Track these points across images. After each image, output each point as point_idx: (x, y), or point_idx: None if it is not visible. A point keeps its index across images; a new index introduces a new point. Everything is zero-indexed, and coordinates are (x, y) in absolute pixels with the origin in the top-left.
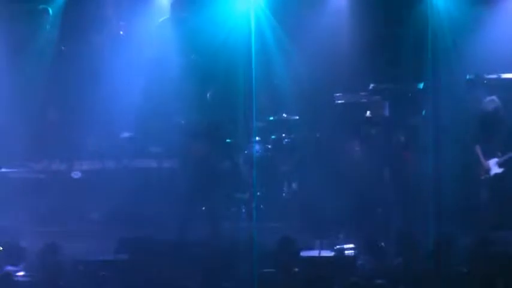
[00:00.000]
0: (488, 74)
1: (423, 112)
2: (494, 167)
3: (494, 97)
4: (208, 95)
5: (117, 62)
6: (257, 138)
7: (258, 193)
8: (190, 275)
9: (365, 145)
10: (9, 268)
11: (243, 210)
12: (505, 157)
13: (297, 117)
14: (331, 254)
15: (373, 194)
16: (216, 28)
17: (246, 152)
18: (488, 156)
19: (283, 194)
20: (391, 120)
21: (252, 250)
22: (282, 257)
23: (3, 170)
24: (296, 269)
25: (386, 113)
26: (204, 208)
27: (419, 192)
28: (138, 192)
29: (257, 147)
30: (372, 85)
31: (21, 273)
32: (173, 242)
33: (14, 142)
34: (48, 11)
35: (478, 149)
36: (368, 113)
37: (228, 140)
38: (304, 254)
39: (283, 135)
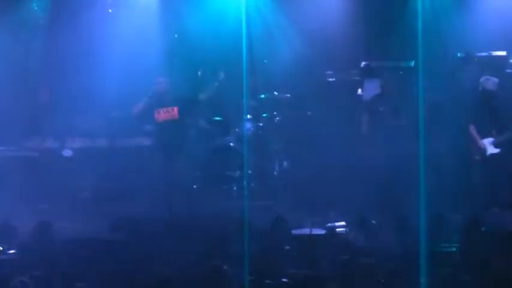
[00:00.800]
0: (479, 51)
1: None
2: (489, 146)
3: (489, 76)
4: (199, 72)
5: (108, 41)
6: (248, 116)
7: (249, 171)
8: (182, 253)
9: (373, 123)
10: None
11: (234, 188)
12: (503, 137)
13: (289, 95)
14: (323, 232)
15: (366, 172)
16: (206, 7)
17: (237, 130)
18: (483, 136)
19: (275, 173)
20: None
21: (243, 228)
22: (273, 236)
23: None
24: (287, 247)
25: (395, 89)
26: (195, 186)
27: (412, 171)
28: (130, 170)
29: (248, 125)
30: (363, 63)
31: (12, 251)
32: (164, 221)
33: (6, 121)
34: None
35: (473, 129)
36: (372, 90)
37: (218, 118)
38: (295, 232)
39: (275, 113)
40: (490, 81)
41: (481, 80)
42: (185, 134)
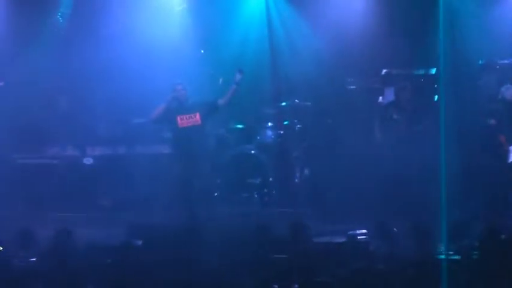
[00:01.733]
0: (501, 59)
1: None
2: (511, 155)
3: (510, 85)
4: (220, 80)
5: (129, 47)
6: (269, 124)
7: (270, 179)
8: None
9: (386, 130)
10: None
11: (255, 196)
12: None
13: (309, 103)
14: (344, 239)
15: (388, 179)
16: (230, 16)
17: (258, 137)
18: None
19: (296, 180)
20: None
21: (264, 236)
22: (294, 243)
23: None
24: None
25: (411, 97)
26: (216, 194)
27: (434, 180)
28: (150, 178)
29: (269, 132)
30: (384, 71)
31: (33, 258)
32: (185, 228)
33: (27, 129)
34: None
35: (503, 138)
36: (390, 97)
37: (240, 126)
38: (316, 240)
39: (296, 121)
40: (511, 91)
41: (502, 88)
42: (207, 141)
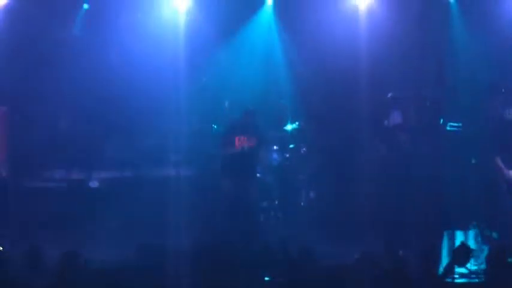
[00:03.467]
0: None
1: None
2: None
3: None
4: (226, 103)
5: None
6: (275, 147)
7: (276, 202)
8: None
9: (392, 151)
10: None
11: (261, 219)
12: None
13: (314, 126)
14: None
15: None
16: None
17: (264, 160)
18: (508, 167)
19: (302, 203)
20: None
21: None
22: (300, 266)
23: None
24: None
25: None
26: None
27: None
28: (157, 200)
29: (275, 156)
30: (389, 94)
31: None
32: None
33: (32, 152)
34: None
35: (499, 160)
36: (397, 120)
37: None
38: (323, 262)
39: (301, 144)
40: None
41: (507, 111)
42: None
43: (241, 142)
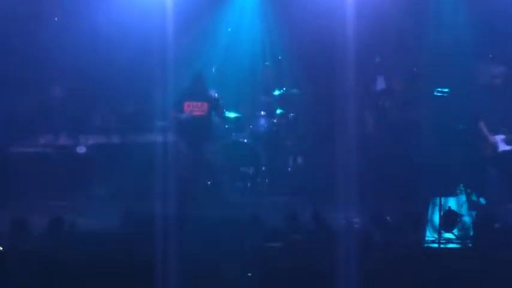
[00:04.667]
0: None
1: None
2: (501, 143)
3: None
4: (213, 69)
5: (122, 36)
6: (262, 112)
7: (263, 168)
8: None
9: (378, 118)
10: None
11: (248, 185)
12: None
13: (303, 92)
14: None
15: (381, 168)
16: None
17: (251, 126)
18: (494, 133)
19: (289, 169)
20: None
21: (257, 224)
22: (287, 232)
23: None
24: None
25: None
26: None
27: (422, 167)
28: (144, 167)
29: (262, 121)
30: (377, 59)
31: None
32: (177, 217)
33: (19, 118)
34: None
35: (483, 126)
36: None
37: (233, 115)
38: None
39: (289, 109)
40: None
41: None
42: (210, 130)
43: (190, 108)
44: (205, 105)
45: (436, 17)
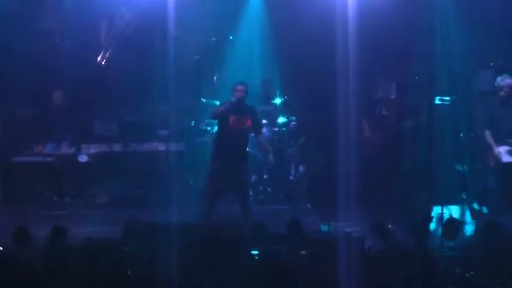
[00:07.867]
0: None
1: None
2: (505, 154)
3: (506, 76)
4: (214, 78)
5: (124, 45)
6: (264, 121)
7: (265, 176)
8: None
9: (375, 126)
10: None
11: (250, 193)
12: None
13: (303, 101)
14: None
15: (381, 175)
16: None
17: (252, 135)
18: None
19: (290, 177)
20: (400, 103)
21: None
22: (289, 240)
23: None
24: (303, 252)
25: (394, 95)
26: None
27: (426, 176)
28: (146, 175)
29: (264, 130)
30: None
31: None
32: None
33: (21, 126)
34: None
35: (488, 135)
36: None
37: None
38: (311, 236)
39: (290, 118)
40: (505, 83)
41: (498, 78)
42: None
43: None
44: (249, 121)
45: (439, 25)
